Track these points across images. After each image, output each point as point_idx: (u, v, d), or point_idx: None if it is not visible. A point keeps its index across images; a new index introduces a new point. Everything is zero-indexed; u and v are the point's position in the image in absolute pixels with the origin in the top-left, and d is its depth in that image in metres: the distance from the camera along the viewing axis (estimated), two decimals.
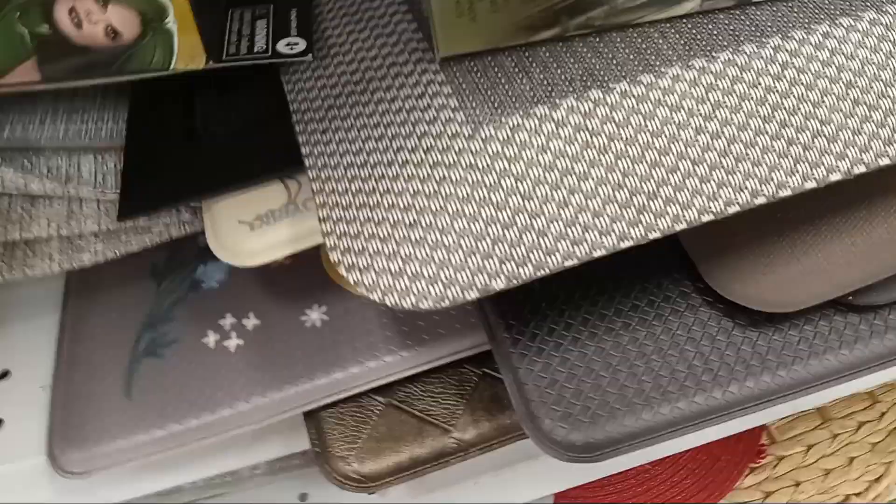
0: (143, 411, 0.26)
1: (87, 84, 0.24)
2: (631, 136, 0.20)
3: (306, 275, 0.29)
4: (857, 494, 0.51)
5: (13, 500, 0.28)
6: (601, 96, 0.21)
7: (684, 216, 0.20)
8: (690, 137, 0.20)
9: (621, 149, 0.20)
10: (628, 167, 0.20)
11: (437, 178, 0.20)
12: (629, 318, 0.24)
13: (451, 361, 0.26)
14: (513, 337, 0.24)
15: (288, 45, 0.25)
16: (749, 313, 0.24)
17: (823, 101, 0.21)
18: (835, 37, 0.21)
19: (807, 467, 0.52)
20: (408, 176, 0.21)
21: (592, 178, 0.20)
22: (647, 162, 0.20)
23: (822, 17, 0.22)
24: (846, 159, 0.20)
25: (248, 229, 0.24)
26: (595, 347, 0.24)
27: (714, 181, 0.20)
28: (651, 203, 0.20)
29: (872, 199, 0.24)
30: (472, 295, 0.19)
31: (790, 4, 0.22)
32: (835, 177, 0.20)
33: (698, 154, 0.20)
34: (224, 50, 0.25)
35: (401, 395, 0.26)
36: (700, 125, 0.20)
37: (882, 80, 0.21)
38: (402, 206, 0.20)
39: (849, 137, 0.20)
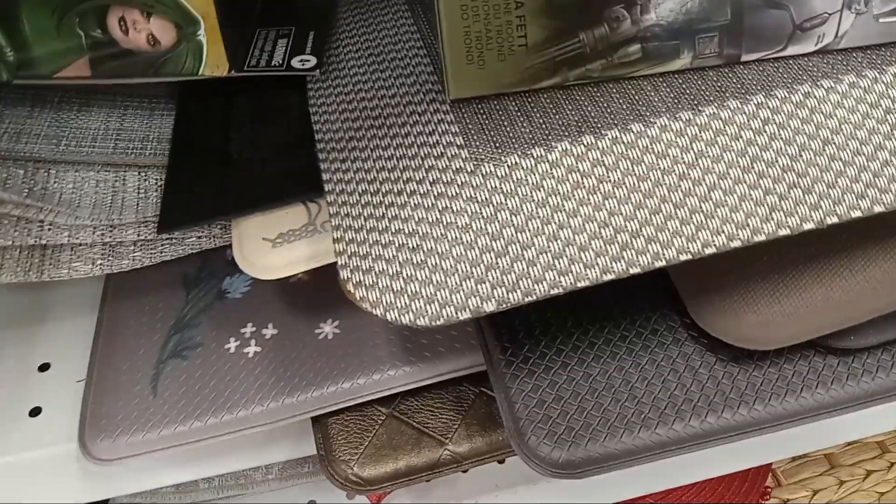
0: (167, 408, 0.28)
1: (128, 82, 0.28)
2: (619, 178, 0.22)
3: (323, 291, 0.31)
4: None
5: (46, 481, 0.30)
6: (593, 141, 0.23)
7: (664, 254, 0.22)
8: (674, 183, 0.22)
9: (609, 190, 0.22)
10: (614, 207, 0.22)
11: (440, 207, 0.23)
12: (617, 347, 0.26)
13: (451, 379, 0.28)
14: (507, 359, 0.26)
15: (301, 61, 0.28)
16: (731, 349, 0.25)
17: (801, 156, 0.22)
18: (815, 97, 0.23)
19: None
20: (414, 205, 0.23)
21: (581, 216, 0.22)
22: (632, 203, 0.22)
23: (804, 77, 0.23)
24: (819, 210, 0.22)
25: (271, 246, 0.27)
26: (583, 373, 0.25)
27: (693, 224, 0.22)
28: (634, 241, 0.22)
29: (852, 249, 0.25)
30: (465, 315, 0.21)
31: (776, 65, 0.24)
32: (808, 226, 0.22)
33: (680, 198, 0.22)
34: (246, 62, 0.29)
35: (402, 407, 0.28)
36: (683, 172, 0.22)
37: (857, 138, 0.22)
38: (406, 231, 0.23)
39: (823, 190, 0.22)
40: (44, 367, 0.32)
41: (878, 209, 0.22)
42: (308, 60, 0.28)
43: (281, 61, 0.29)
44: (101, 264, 0.30)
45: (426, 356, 0.28)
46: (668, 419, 0.24)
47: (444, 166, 0.23)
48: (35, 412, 0.31)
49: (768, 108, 0.23)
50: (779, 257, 0.25)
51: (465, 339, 0.28)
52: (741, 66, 0.24)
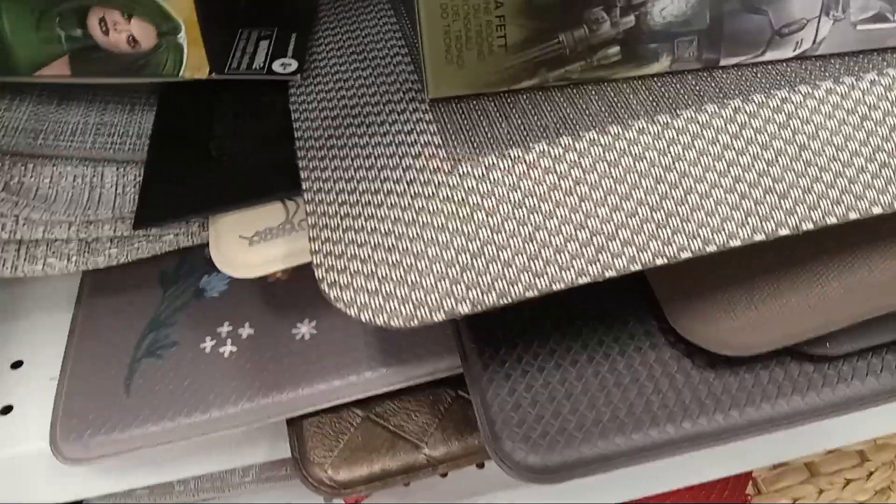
0: (139, 407, 0.28)
1: (108, 82, 0.28)
2: (595, 180, 0.22)
3: (301, 291, 0.31)
4: None
5: (15, 482, 0.30)
6: (571, 143, 0.23)
7: (640, 258, 0.22)
8: (650, 186, 0.22)
9: (585, 192, 0.22)
10: (590, 209, 0.22)
11: (416, 207, 0.22)
12: (594, 351, 0.26)
13: (428, 382, 0.28)
14: (483, 361, 0.25)
15: (282, 65, 0.28)
16: (707, 355, 0.25)
17: (777, 161, 0.22)
18: (792, 102, 0.23)
19: None
20: (390, 204, 0.23)
21: (557, 217, 0.22)
22: (608, 205, 0.22)
23: (782, 83, 0.23)
24: (795, 216, 0.22)
25: (247, 244, 0.27)
26: (559, 377, 0.25)
27: (669, 227, 0.22)
28: (609, 244, 0.22)
29: (830, 255, 0.25)
30: (440, 317, 0.21)
31: (754, 70, 0.24)
32: (783, 231, 0.22)
33: (656, 201, 0.22)
34: (227, 64, 0.28)
35: (378, 409, 0.28)
36: (660, 175, 0.22)
37: (833, 144, 0.22)
38: (382, 231, 0.22)
39: (799, 196, 0.22)
40: (16, 365, 0.32)
41: (853, 216, 0.22)
42: (289, 64, 0.28)
43: (262, 65, 0.29)
44: (76, 261, 0.30)
45: (404, 358, 0.28)
46: (644, 424, 0.24)
47: (422, 166, 0.23)
48: (6, 410, 0.30)
49: (745, 112, 0.23)
50: (756, 263, 0.25)
51: (444, 341, 0.28)
52: (720, 71, 0.24)
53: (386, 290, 0.22)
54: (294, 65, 0.28)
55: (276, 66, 0.28)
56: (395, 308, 0.21)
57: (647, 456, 0.24)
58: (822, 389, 0.25)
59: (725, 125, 0.23)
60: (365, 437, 0.27)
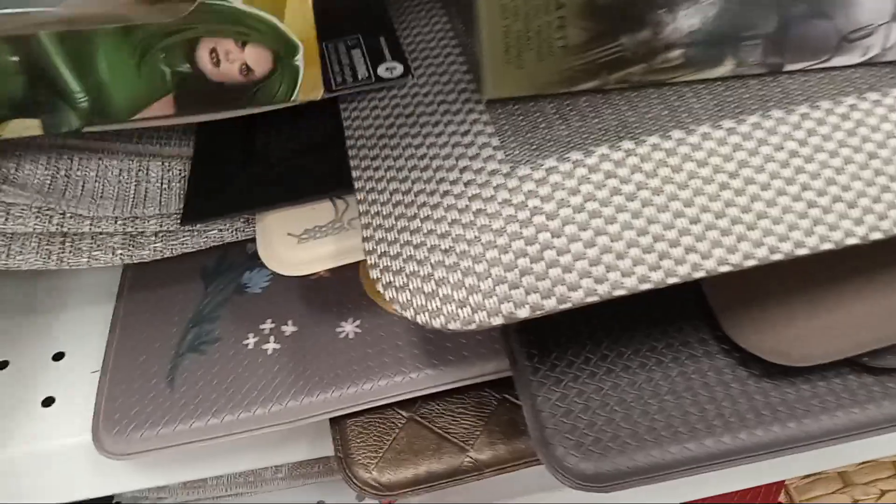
0: (183, 403, 0.28)
1: (215, 118, 0.25)
2: (657, 186, 0.22)
3: (344, 289, 0.30)
4: None
5: (56, 474, 0.30)
6: (633, 147, 0.22)
7: (703, 266, 0.21)
8: (714, 192, 0.22)
9: (647, 197, 0.22)
10: (653, 215, 0.21)
11: (474, 210, 0.22)
12: (647, 358, 0.25)
13: (474, 384, 0.28)
14: (534, 366, 0.25)
15: (387, 69, 0.27)
16: (764, 364, 0.25)
17: (845, 169, 0.22)
18: (860, 109, 0.22)
19: None
20: (447, 206, 0.23)
21: (618, 223, 0.21)
22: (671, 211, 0.21)
23: (850, 90, 0.23)
24: (863, 225, 0.21)
25: (296, 242, 0.26)
26: (612, 383, 0.25)
27: (734, 235, 0.21)
28: (672, 250, 0.21)
29: (894, 266, 0.24)
30: (498, 321, 0.21)
31: (821, 76, 0.24)
32: (851, 241, 0.21)
33: (721, 208, 0.21)
34: (332, 80, 0.27)
35: (423, 411, 0.28)
36: (724, 181, 0.22)
37: None
38: (439, 232, 0.22)
39: (867, 205, 0.21)
40: (58, 357, 0.32)
41: None
42: (394, 67, 0.27)
43: (367, 73, 0.27)
44: (121, 254, 0.30)
45: (450, 360, 0.27)
46: (700, 434, 0.23)
47: (479, 167, 0.23)
48: (48, 402, 0.30)
49: (813, 119, 0.22)
50: (817, 271, 0.25)
51: (490, 343, 0.28)
52: (784, 76, 0.24)
53: (443, 293, 0.21)
54: (400, 68, 0.27)
55: (382, 71, 0.27)
56: (452, 311, 0.21)
57: (702, 466, 0.23)
58: (881, 403, 0.24)
59: (792, 132, 0.22)
60: (410, 438, 0.27)
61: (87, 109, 0.24)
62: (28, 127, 0.24)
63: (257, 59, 0.24)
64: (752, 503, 0.52)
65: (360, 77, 0.27)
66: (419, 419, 0.27)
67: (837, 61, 0.24)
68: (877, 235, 0.21)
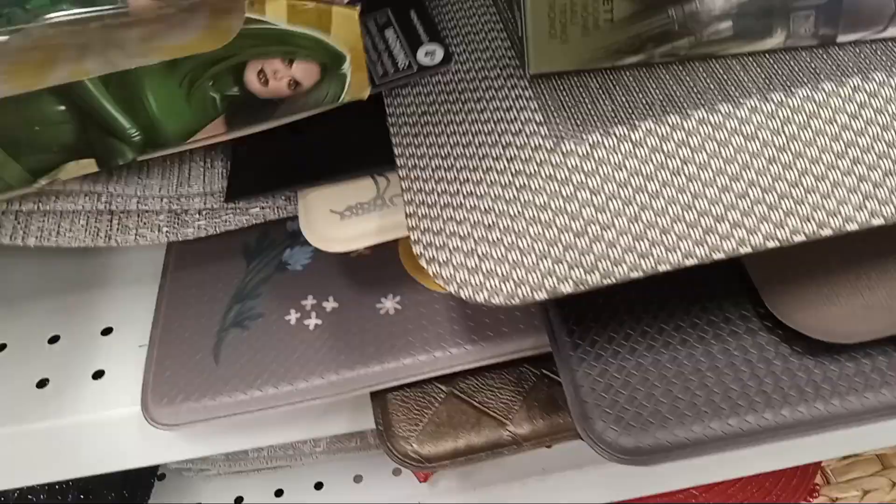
0: (228, 376, 0.28)
1: (265, 128, 0.26)
2: (704, 160, 0.22)
3: (384, 266, 0.31)
4: None
5: (105, 444, 0.31)
6: (679, 121, 0.22)
7: (750, 241, 0.21)
8: (762, 166, 0.21)
9: (694, 172, 0.21)
10: (699, 190, 0.21)
11: (518, 185, 0.22)
12: (688, 334, 0.25)
13: (513, 360, 0.28)
14: (574, 341, 0.25)
15: (426, 54, 0.26)
16: (807, 341, 0.25)
17: None
18: None
19: None
20: (490, 181, 0.23)
21: (663, 197, 0.21)
22: (717, 186, 0.21)
23: None
24: None
25: (339, 218, 0.27)
26: (652, 359, 0.25)
27: (782, 210, 0.21)
28: (718, 225, 0.21)
29: None
30: (541, 295, 0.21)
31: (873, 47, 0.23)
32: None
33: (769, 182, 0.21)
34: (373, 72, 0.26)
35: (462, 385, 0.28)
36: (773, 155, 0.21)
37: None
38: (482, 208, 0.22)
39: None
40: (106, 332, 0.33)
41: None
42: (433, 52, 0.26)
43: (408, 62, 0.26)
44: (166, 232, 0.31)
45: (489, 335, 0.28)
46: (741, 410, 0.23)
47: (522, 143, 0.23)
48: (98, 375, 0.31)
49: (865, 91, 0.22)
50: (862, 248, 0.24)
51: (529, 319, 0.28)
52: (836, 48, 0.23)
53: (486, 268, 0.21)
54: (439, 52, 0.26)
55: (422, 57, 0.26)
56: (495, 286, 0.21)
57: (743, 442, 0.23)
58: None
59: (843, 104, 0.22)
60: (450, 412, 0.27)
61: (140, 143, 0.24)
62: (84, 166, 0.24)
63: (305, 73, 0.24)
64: (787, 484, 0.51)
65: (400, 66, 0.26)
66: (458, 394, 0.28)
67: (893, 32, 0.23)
68: None
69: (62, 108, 0.22)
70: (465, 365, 0.28)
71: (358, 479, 0.42)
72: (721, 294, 0.26)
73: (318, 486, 0.42)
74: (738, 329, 0.26)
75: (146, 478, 0.42)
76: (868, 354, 0.25)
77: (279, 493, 0.42)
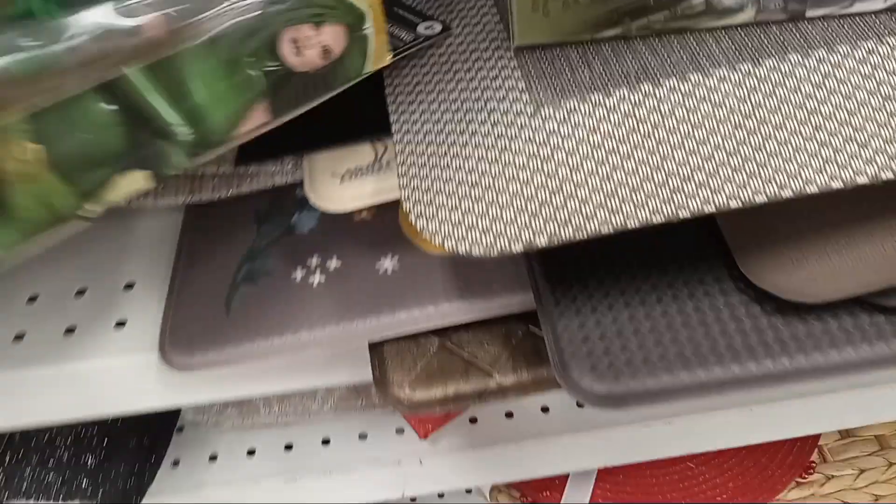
0: (237, 325, 0.31)
1: (307, 109, 0.26)
2: (673, 125, 0.23)
3: (385, 229, 0.33)
4: None
5: (127, 385, 0.33)
6: (651, 89, 0.23)
7: (713, 200, 0.22)
8: (728, 131, 0.23)
9: (663, 136, 0.23)
10: (667, 152, 0.23)
11: (500, 147, 0.24)
12: (663, 292, 0.27)
13: (501, 316, 0.30)
14: (555, 297, 0.27)
15: (426, 28, 0.27)
16: (776, 302, 0.26)
17: (859, 111, 0.23)
18: (878, 54, 0.23)
19: (856, 490, 0.52)
20: (475, 144, 0.24)
21: (634, 159, 0.23)
22: (685, 149, 0.23)
23: (869, 34, 0.24)
24: (874, 165, 0.22)
25: (339, 181, 0.29)
26: (627, 315, 0.26)
27: (745, 171, 0.22)
28: (684, 185, 0.23)
29: None
30: (518, 247, 0.23)
31: (841, 22, 0.24)
32: (861, 180, 0.22)
33: (733, 146, 0.23)
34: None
35: (454, 338, 0.30)
36: (739, 121, 0.23)
37: None
38: (467, 168, 0.24)
39: (879, 145, 0.22)
40: (128, 286, 0.35)
41: None
42: (431, 26, 0.27)
43: (413, 36, 0.27)
44: (184, 195, 0.33)
45: (479, 292, 0.29)
46: (709, 361, 0.25)
47: (506, 109, 0.25)
48: (120, 324, 0.34)
49: (829, 63, 0.23)
50: (831, 213, 0.26)
51: (517, 279, 0.29)
52: (805, 22, 0.25)
53: (469, 222, 0.23)
54: (437, 26, 0.27)
55: (423, 31, 0.27)
56: (476, 238, 0.23)
57: (710, 391, 0.25)
58: (891, 340, 0.25)
59: (808, 75, 0.23)
60: (441, 362, 0.29)
61: (190, 141, 0.23)
62: (135, 180, 0.23)
63: (334, 37, 0.24)
64: (784, 460, 0.52)
65: (406, 40, 0.27)
66: (450, 346, 0.30)
67: (860, 7, 0.24)
68: (887, 175, 0.22)
69: (111, 107, 0.21)
70: (456, 319, 0.29)
71: (363, 436, 0.44)
72: (698, 259, 0.28)
73: (326, 441, 0.44)
74: (711, 290, 0.27)
75: (166, 430, 0.45)
76: (835, 315, 0.26)
77: (289, 447, 0.44)
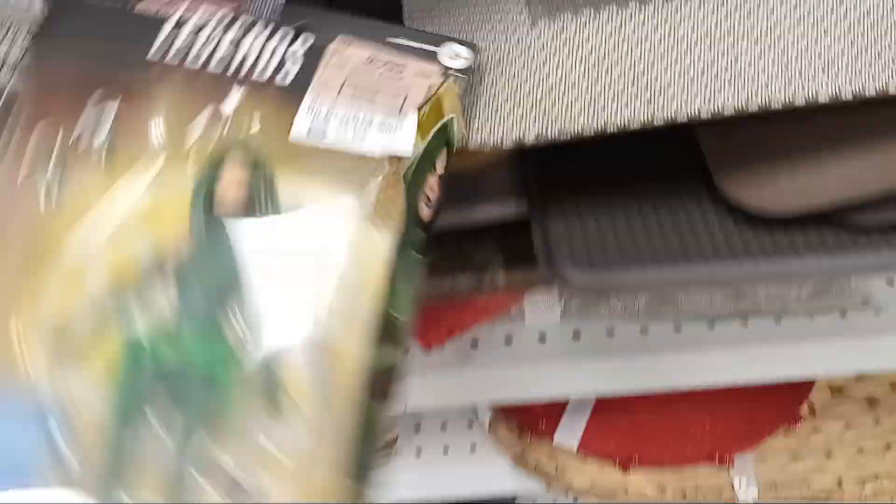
0: None
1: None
2: (658, 40, 0.26)
3: None
4: (889, 474, 0.52)
5: None
6: (637, 6, 0.26)
7: (685, 109, 0.25)
8: (706, 46, 0.25)
9: (646, 49, 0.26)
10: (648, 64, 0.25)
11: (498, 57, 0.27)
12: (644, 203, 0.30)
13: (498, 225, 0.33)
14: (545, 201, 0.30)
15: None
16: (748, 216, 0.29)
17: (821, 23, 0.25)
18: None
19: (842, 442, 0.54)
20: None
21: (617, 69, 0.26)
22: (666, 61, 0.25)
23: None
24: (837, 82, 0.25)
25: None
26: (608, 220, 0.29)
27: (717, 83, 0.25)
28: (659, 97, 0.25)
29: (874, 129, 0.27)
30: (508, 143, 0.26)
31: None
32: (822, 98, 0.24)
33: (708, 62, 0.25)
34: None
35: (453, 240, 0.33)
36: (718, 36, 0.25)
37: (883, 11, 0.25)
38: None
39: (847, 62, 0.25)
40: None
41: (893, 90, 0.24)
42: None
43: None
44: None
45: (474, 200, 0.32)
46: (677, 260, 0.28)
47: (506, 26, 0.28)
48: None
49: None
50: (803, 133, 0.28)
51: (510, 189, 0.32)
52: None
53: (467, 116, 0.26)
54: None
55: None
56: (471, 133, 0.26)
57: (677, 285, 0.28)
58: (850, 253, 0.28)
59: None
60: (439, 260, 0.32)
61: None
62: None
63: (441, 164, 0.25)
64: (772, 412, 0.54)
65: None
66: (448, 245, 0.33)
67: None
68: (847, 93, 0.24)
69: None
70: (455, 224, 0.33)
71: None
72: (679, 176, 0.31)
73: None
74: (689, 203, 0.30)
75: None
76: (801, 229, 0.29)
77: None
